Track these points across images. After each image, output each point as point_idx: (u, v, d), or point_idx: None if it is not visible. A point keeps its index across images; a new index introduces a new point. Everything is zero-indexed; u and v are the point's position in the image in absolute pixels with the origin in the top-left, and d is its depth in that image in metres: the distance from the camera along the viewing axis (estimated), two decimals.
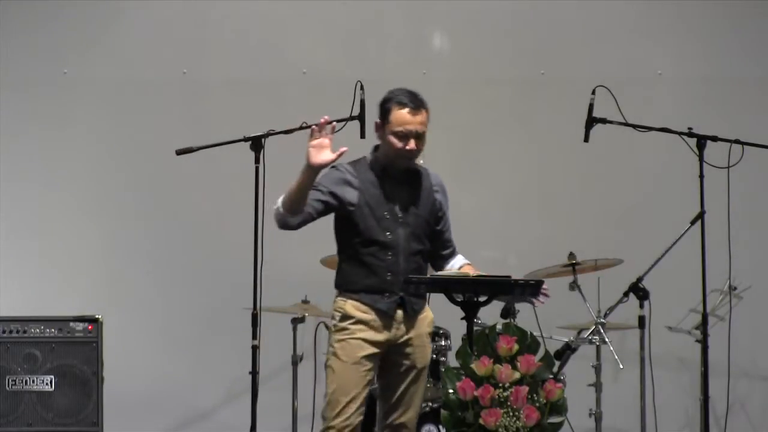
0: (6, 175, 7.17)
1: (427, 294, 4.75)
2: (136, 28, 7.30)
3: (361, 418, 4.65)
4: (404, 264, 4.65)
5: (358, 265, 4.70)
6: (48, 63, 7.24)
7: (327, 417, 4.66)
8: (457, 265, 4.82)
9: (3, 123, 7.19)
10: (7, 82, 7.19)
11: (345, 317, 4.72)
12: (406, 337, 4.67)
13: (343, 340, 4.72)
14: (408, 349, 4.66)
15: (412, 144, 4.66)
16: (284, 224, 4.67)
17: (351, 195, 4.70)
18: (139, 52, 7.27)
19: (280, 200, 4.65)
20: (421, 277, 4.56)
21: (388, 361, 4.69)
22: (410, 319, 4.68)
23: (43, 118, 7.23)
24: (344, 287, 4.75)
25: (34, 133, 7.22)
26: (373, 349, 4.65)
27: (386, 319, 4.66)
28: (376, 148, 4.77)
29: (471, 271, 4.68)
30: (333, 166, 4.67)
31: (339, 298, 4.78)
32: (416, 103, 4.67)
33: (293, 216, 4.64)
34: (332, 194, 4.69)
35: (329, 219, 7.38)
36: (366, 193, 4.69)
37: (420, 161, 4.82)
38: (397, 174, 4.74)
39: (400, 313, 4.66)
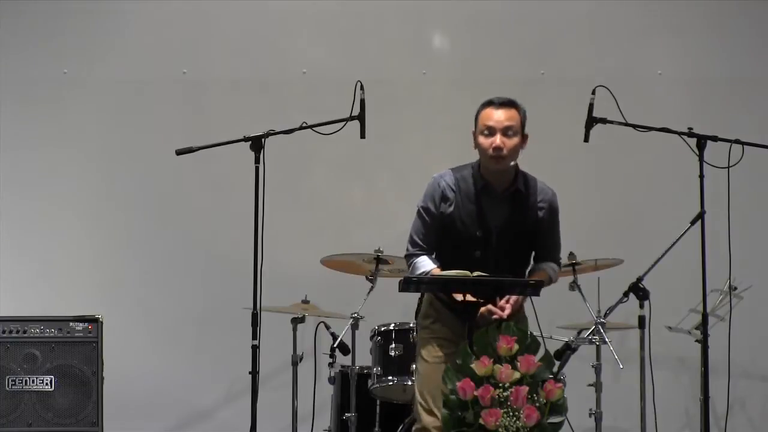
0: (6, 174, 7.18)
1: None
2: (136, 28, 7.30)
3: None
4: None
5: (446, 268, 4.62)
6: (48, 63, 7.24)
7: (418, 417, 4.67)
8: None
9: (3, 123, 7.19)
10: (7, 82, 7.19)
11: (426, 315, 4.70)
12: None
13: (424, 338, 4.70)
14: None
15: (497, 140, 4.58)
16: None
17: (448, 209, 4.64)
18: (139, 52, 7.27)
19: (418, 270, 4.63)
20: (421, 277, 4.55)
21: None
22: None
23: (43, 118, 7.23)
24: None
25: (34, 133, 7.22)
26: (454, 347, 4.58)
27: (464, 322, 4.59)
28: (477, 161, 4.73)
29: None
30: (435, 176, 4.68)
31: (426, 295, 4.73)
32: (502, 100, 4.67)
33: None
34: (436, 217, 4.65)
35: (329, 220, 7.38)
36: (463, 208, 4.63)
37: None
38: (499, 191, 4.67)
39: None
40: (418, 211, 4.70)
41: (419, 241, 4.68)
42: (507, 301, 4.54)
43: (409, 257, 4.70)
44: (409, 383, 5.69)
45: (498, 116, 4.63)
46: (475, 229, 4.61)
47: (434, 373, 4.59)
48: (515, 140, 4.64)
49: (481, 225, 4.61)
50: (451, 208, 4.63)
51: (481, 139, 4.63)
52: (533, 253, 4.80)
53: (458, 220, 4.62)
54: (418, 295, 4.83)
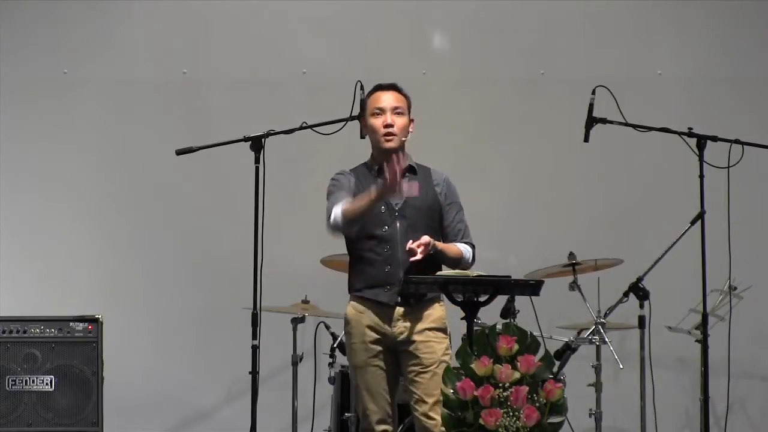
0: (6, 174, 7.17)
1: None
2: (136, 28, 7.29)
3: (388, 421, 4.75)
4: (402, 256, 4.67)
5: (360, 261, 4.77)
6: (48, 63, 7.24)
7: (359, 419, 4.84)
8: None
9: (3, 123, 7.19)
10: (7, 82, 7.19)
11: (347, 322, 4.80)
12: (408, 333, 4.69)
13: (348, 344, 4.81)
14: (413, 345, 4.68)
15: (388, 118, 4.76)
16: (339, 232, 4.77)
17: (353, 188, 4.79)
18: (139, 52, 7.27)
19: (339, 214, 4.69)
20: (421, 277, 4.56)
21: (401, 358, 4.73)
22: (413, 314, 4.70)
23: (43, 118, 7.23)
24: (351, 288, 4.83)
25: (34, 133, 7.21)
26: (377, 348, 4.71)
27: (387, 316, 4.70)
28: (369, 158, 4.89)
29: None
30: (339, 172, 4.86)
31: (349, 302, 4.84)
32: (388, 84, 4.86)
33: (350, 227, 4.72)
34: (348, 186, 4.80)
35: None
36: (362, 190, 4.74)
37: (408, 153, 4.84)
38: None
39: (400, 309, 4.69)
40: (328, 191, 4.81)
41: (335, 203, 4.74)
42: (419, 246, 4.63)
43: (328, 218, 4.73)
44: None
45: (387, 98, 4.81)
46: (378, 206, 4.70)
47: (363, 376, 4.75)
48: (404, 119, 4.82)
49: (384, 201, 4.70)
50: (354, 193, 4.76)
51: (373, 120, 4.80)
52: (445, 234, 4.85)
53: None
54: None
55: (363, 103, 4.87)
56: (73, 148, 7.23)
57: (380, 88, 4.85)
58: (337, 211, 4.70)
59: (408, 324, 4.70)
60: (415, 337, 4.70)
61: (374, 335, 4.72)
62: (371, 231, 4.73)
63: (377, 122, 4.79)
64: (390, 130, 4.77)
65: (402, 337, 4.70)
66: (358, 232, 4.76)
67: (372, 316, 4.73)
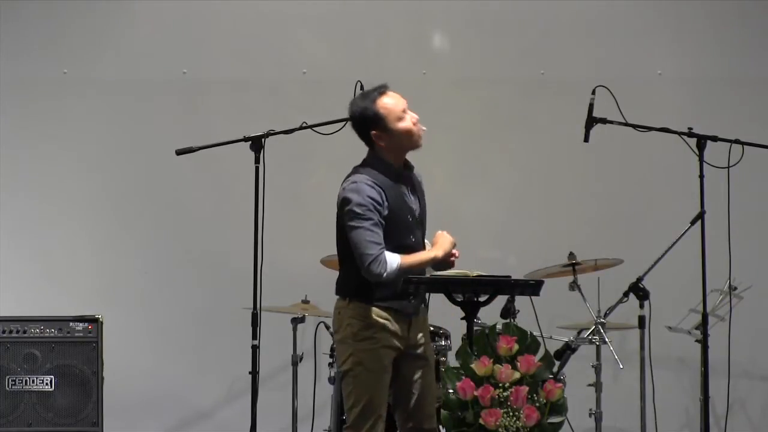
0: (6, 174, 7.17)
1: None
2: (136, 28, 7.30)
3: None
4: None
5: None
6: (48, 63, 7.24)
7: (359, 427, 4.52)
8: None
9: (3, 123, 7.19)
10: (7, 82, 7.19)
11: (369, 326, 4.53)
12: (417, 337, 4.62)
13: (368, 349, 4.53)
14: (420, 349, 4.61)
15: (415, 115, 4.55)
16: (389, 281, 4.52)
17: (385, 210, 4.51)
18: (139, 52, 7.27)
19: (396, 266, 4.43)
20: (421, 277, 4.54)
21: (407, 362, 4.60)
22: (419, 319, 4.63)
23: (43, 118, 7.23)
24: (365, 295, 4.54)
25: (34, 133, 7.22)
26: (394, 355, 4.56)
27: (405, 324, 4.58)
28: (371, 160, 4.60)
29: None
30: (356, 181, 4.48)
31: (357, 304, 4.56)
32: (383, 86, 4.57)
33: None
34: (381, 213, 4.50)
35: (329, 220, 7.40)
36: (392, 199, 4.52)
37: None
38: (405, 175, 4.61)
39: (418, 316, 4.61)
40: (359, 216, 4.45)
41: (376, 242, 4.44)
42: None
43: (375, 260, 4.43)
44: None
45: (399, 98, 4.55)
46: (405, 215, 4.55)
47: (379, 382, 4.52)
48: None
49: (409, 210, 4.57)
50: (387, 203, 4.51)
51: (402, 124, 4.51)
52: None
53: (396, 211, 4.52)
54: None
55: (372, 117, 4.50)
56: (73, 148, 7.22)
57: (386, 91, 4.55)
58: (392, 264, 4.42)
59: (418, 328, 4.61)
60: (423, 339, 4.62)
61: (396, 342, 4.55)
62: (402, 241, 4.52)
63: (407, 124, 4.52)
64: (419, 126, 4.55)
65: (417, 342, 4.60)
66: (389, 241, 4.49)
67: (396, 324, 4.56)
